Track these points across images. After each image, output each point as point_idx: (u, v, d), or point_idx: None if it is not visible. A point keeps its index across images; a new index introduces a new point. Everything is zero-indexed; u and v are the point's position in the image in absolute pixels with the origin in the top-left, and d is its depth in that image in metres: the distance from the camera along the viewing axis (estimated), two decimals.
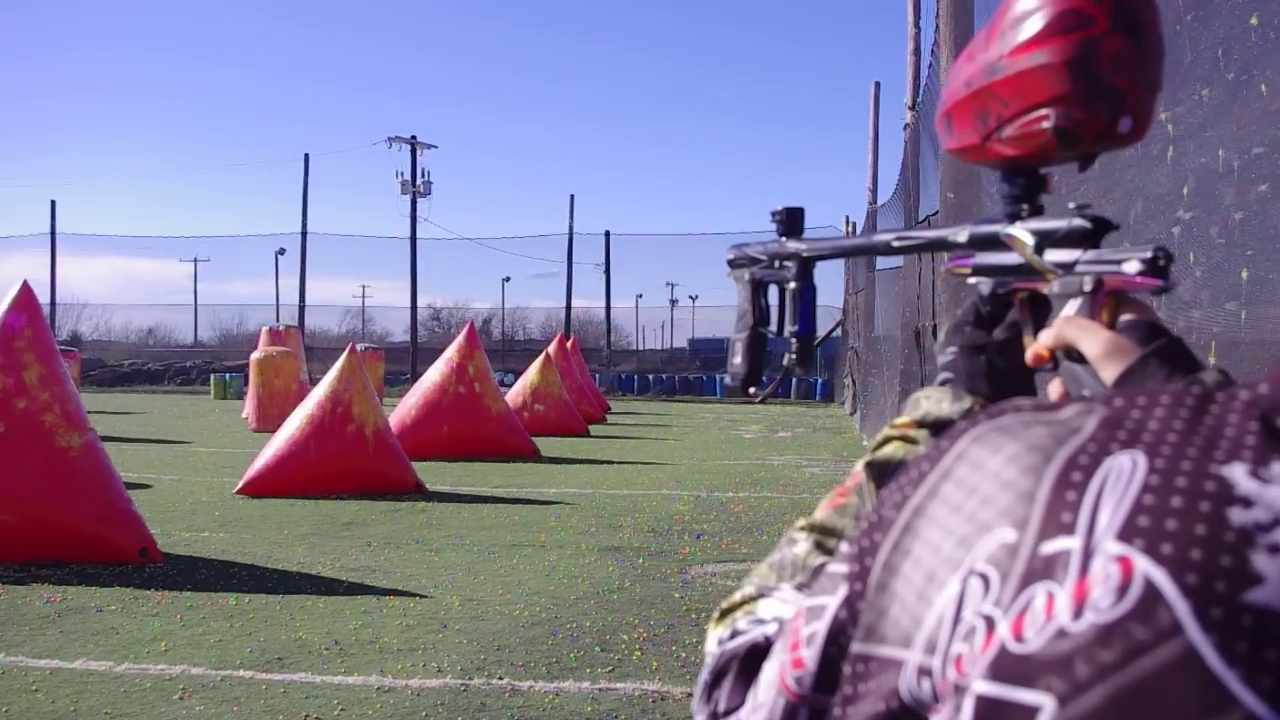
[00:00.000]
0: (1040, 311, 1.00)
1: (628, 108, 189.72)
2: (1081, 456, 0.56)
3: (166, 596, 6.75)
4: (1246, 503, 0.51)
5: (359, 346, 14.88)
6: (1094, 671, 0.50)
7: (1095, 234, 0.94)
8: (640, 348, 56.92)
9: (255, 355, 22.26)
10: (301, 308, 44.29)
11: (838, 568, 0.71)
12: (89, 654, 5.50)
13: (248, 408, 22.65)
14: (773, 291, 1.25)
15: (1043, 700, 0.51)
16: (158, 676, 5.14)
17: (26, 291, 8.01)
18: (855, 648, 0.65)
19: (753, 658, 0.80)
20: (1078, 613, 0.51)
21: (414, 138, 45.25)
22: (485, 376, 15.92)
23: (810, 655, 0.70)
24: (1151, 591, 0.50)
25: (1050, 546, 0.54)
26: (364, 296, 61.63)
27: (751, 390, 1.26)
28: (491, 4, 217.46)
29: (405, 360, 42.37)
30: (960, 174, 7.47)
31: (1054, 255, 0.95)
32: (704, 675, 0.84)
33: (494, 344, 46.69)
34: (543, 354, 21.42)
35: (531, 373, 20.45)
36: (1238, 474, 0.52)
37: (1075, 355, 0.91)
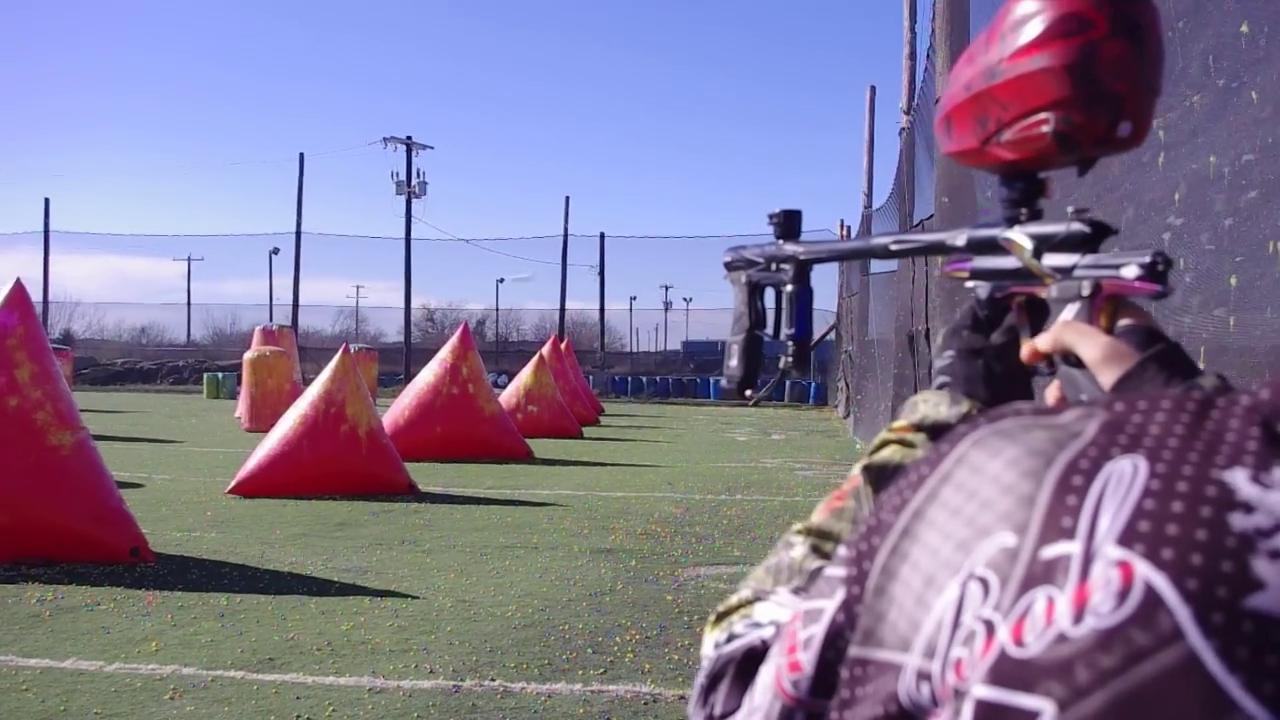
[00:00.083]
0: (1038, 316, 1.00)
1: (623, 110, 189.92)
2: (1082, 461, 0.56)
3: (158, 596, 6.73)
4: (1248, 508, 0.51)
5: (352, 347, 14.86)
6: (1094, 677, 0.49)
7: (1094, 238, 0.93)
8: (634, 350, 57.02)
9: (248, 355, 22.24)
10: (295, 307, 44.23)
11: (835, 571, 0.70)
12: (80, 653, 5.48)
13: (240, 407, 22.62)
14: (769, 294, 1.25)
15: (1043, 705, 0.50)
16: (149, 676, 5.13)
17: (19, 289, 7.98)
18: (853, 651, 0.65)
19: (749, 661, 0.80)
20: (1078, 617, 0.51)
21: (409, 138, 45.25)
22: (479, 378, 15.91)
23: (807, 659, 0.70)
24: (1152, 597, 0.50)
25: (1050, 551, 0.54)
26: (358, 297, 61.72)
27: (748, 393, 1.26)
28: (488, 4, 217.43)
29: (399, 361, 42.37)
30: (955, 178, 7.48)
31: (1052, 259, 0.95)
32: (700, 679, 0.83)
33: (488, 345, 46.70)
34: (536, 355, 21.42)
35: (525, 374, 20.45)
36: (1239, 479, 0.52)
37: (1073, 359, 0.91)
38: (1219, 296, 2.77)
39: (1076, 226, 0.94)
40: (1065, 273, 0.94)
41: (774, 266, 1.23)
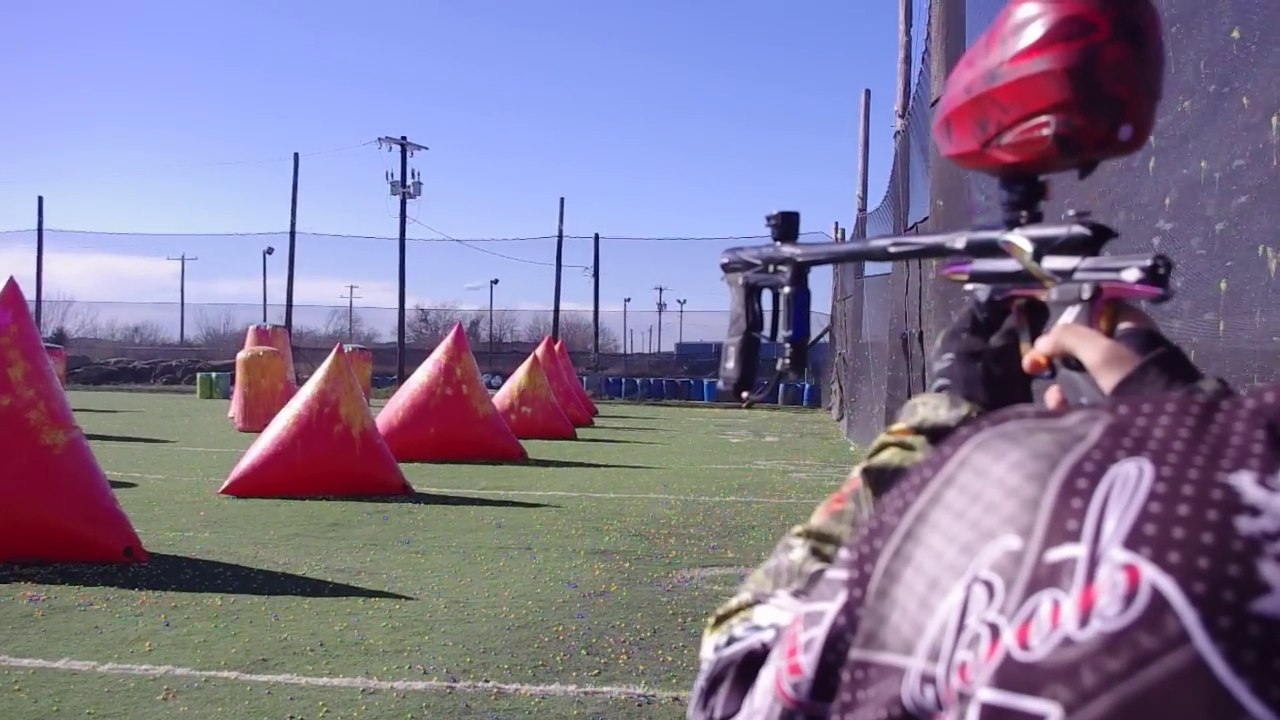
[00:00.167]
0: (1038, 318, 0.99)
1: (618, 111, 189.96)
2: (1087, 464, 0.56)
3: (151, 596, 6.72)
4: (1254, 511, 0.51)
5: (346, 347, 14.84)
6: (1100, 680, 0.49)
7: (1094, 241, 0.93)
8: (628, 351, 57.00)
9: (242, 355, 22.18)
10: (289, 307, 44.20)
11: (837, 574, 0.70)
12: (72, 653, 5.47)
13: (234, 407, 22.58)
14: (766, 296, 1.25)
15: (1048, 709, 0.50)
16: (142, 677, 5.11)
17: (12, 288, 7.96)
18: (854, 654, 0.65)
19: (749, 664, 0.80)
20: (1084, 621, 0.51)
21: (404, 138, 45.23)
22: (473, 378, 15.90)
23: (808, 662, 0.70)
24: (1158, 600, 0.50)
25: (1056, 554, 0.54)
26: (351, 297, 61.61)
27: (745, 395, 1.25)
28: (484, 4, 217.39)
29: (392, 361, 42.37)
30: (950, 181, 7.49)
31: (1052, 262, 0.95)
32: (700, 682, 0.83)
33: (481, 346, 46.66)
34: (530, 357, 21.42)
35: (519, 375, 20.45)
36: (1245, 482, 0.52)
37: (1073, 363, 0.91)
38: (1209, 301, 2.77)
39: (1077, 229, 0.94)
40: (1065, 276, 0.94)
41: (771, 268, 1.22)
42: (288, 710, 4.68)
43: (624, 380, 42.26)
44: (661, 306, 65.98)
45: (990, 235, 1.01)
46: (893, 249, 1.14)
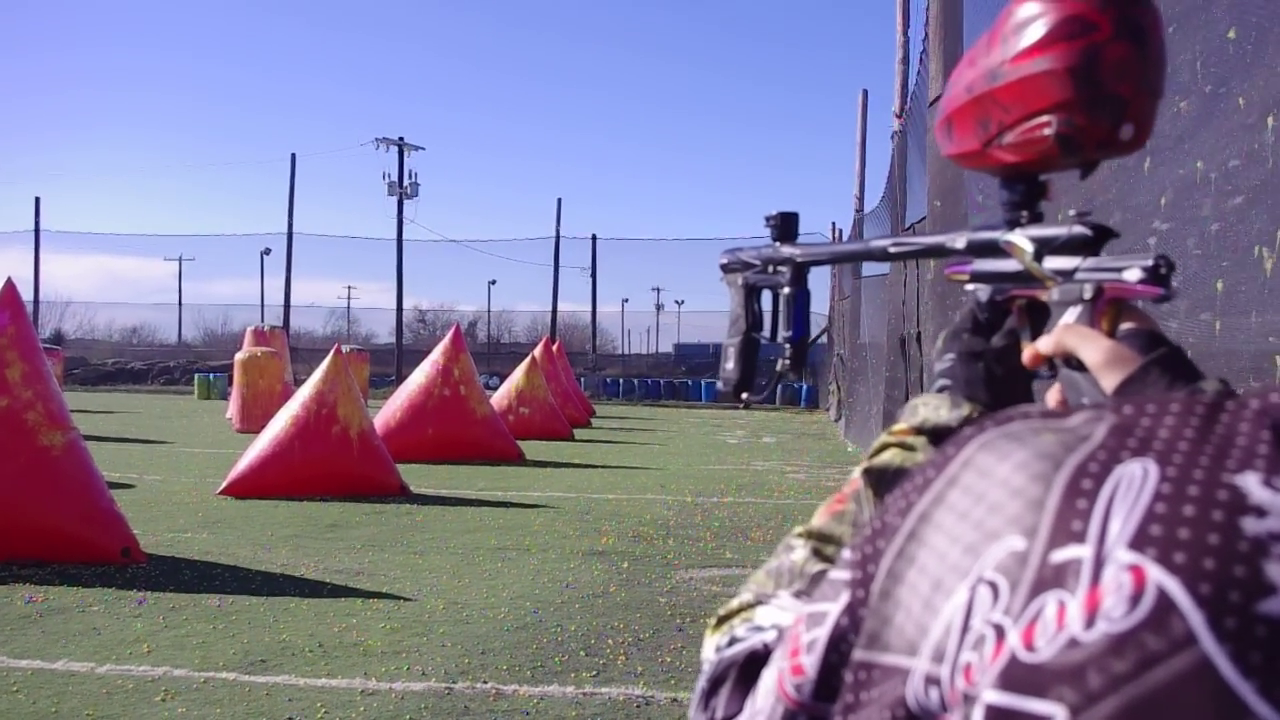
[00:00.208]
0: (1039, 319, 0.99)
1: (615, 111, 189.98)
2: (1092, 464, 0.56)
3: (149, 597, 6.71)
4: (1260, 512, 0.51)
5: (344, 348, 14.84)
6: (1106, 682, 0.49)
7: (1096, 241, 0.93)
8: (626, 352, 56.95)
9: (240, 355, 22.18)
10: (287, 308, 44.20)
11: (839, 574, 0.70)
12: (70, 655, 5.46)
13: (232, 408, 22.57)
14: (766, 297, 1.24)
15: (1054, 710, 0.50)
16: (140, 678, 5.11)
17: (10, 288, 7.96)
18: (857, 655, 0.65)
19: (751, 665, 0.80)
20: (1090, 622, 0.51)
21: (401, 139, 45.22)
22: (470, 379, 15.90)
23: (810, 662, 0.70)
24: (1165, 601, 0.49)
25: (1061, 555, 0.54)
26: (349, 298, 61.59)
27: (744, 396, 1.25)
28: (481, 4, 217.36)
29: (390, 362, 42.37)
30: (947, 182, 7.49)
31: (1053, 262, 0.95)
32: (701, 683, 0.83)
33: (479, 347, 46.68)
34: (528, 357, 21.42)
35: (517, 376, 20.45)
36: (1250, 483, 0.52)
37: (1074, 363, 0.91)
38: (1205, 301, 2.77)
39: (1078, 229, 0.94)
40: (1067, 276, 0.94)
41: (771, 269, 1.22)
42: (286, 711, 4.68)
43: (622, 381, 42.26)
44: (659, 307, 66.00)
45: (991, 235, 1.01)
46: (893, 249, 1.14)
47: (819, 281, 33.63)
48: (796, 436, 22.83)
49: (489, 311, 53.68)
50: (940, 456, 0.65)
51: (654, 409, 35.25)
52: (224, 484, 11.31)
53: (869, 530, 0.68)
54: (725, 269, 1.27)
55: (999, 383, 1.00)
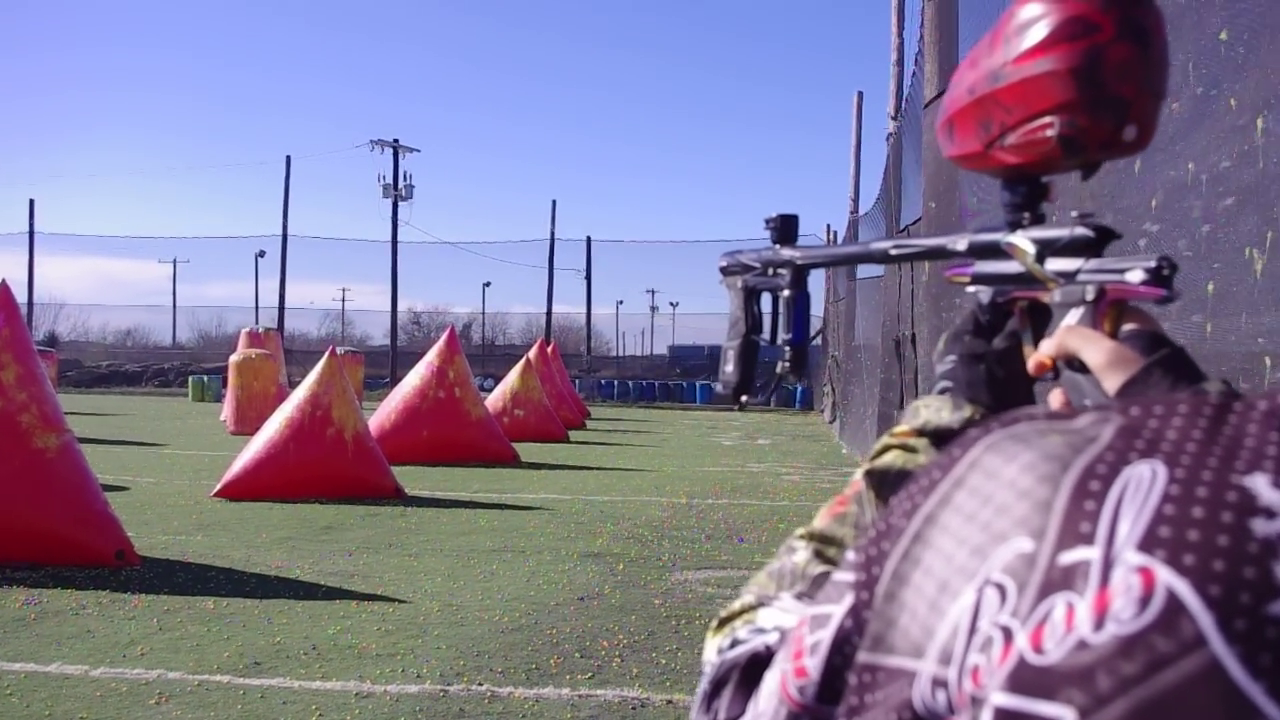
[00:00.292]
0: (1040, 320, 0.99)
1: (610, 113, 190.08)
2: (1099, 465, 0.56)
3: (143, 600, 6.70)
4: (1269, 514, 0.50)
5: (339, 350, 14.83)
6: (1116, 684, 0.49)
7: (1098, 243, 0.93)
8: (620, 354, 57.04)
9: (234, 357, 22.19)
10: (281, 310, 44.18)
11: (843, 576, 0.70)
12: (64, 657, 5.45)
13: (226, 410, 22.56)
14: (765, 299, 1.24)
15: (1063, 713, 0.50)
16: (134, 680, 5.10)
17: (4, 291, 7.95)
18: (862, 657, 0.64)
19: (754, 667, 0.79)
20: (1099, 624, 0.50)
21: (396, 141, 45.20)
22: (465, 381, 15.89)
23: (814, 664, 0.69)
24: (1174, 603, 0.49)
25: (1069, 556, 0.53)
26: (344, 300, 61.62)
27: (744, 398, 1.25)
28: (476, 5, 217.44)
29: (385, 364, 42.35)
30: (942, 184, 7.49)
31: (1055, 264, 0.95)
32: (703, 685, 0.83)
33: (474, 349, 46.68)
34: (523, 359, 21.41)
35: (512, 378, 20.44)
36: (1260, 485, 0.52)
37: (1077, 365, 0.90)
38: (1196, 303, 2.78)
39: (1080, 231, 0.93)
40: (1069, 277, 0.93)
41: (771, 271, 1.22)
42: (280, 714, 4.67)
43: (616, 383, 42.27)
44: (654, 309, 66.12)
45: (993, 237, 1.01)
46: (894, 251, 1.14)
47: (814, 284, 33.72)
48: (791, 438, 22.85)
49: (484, 313, 53.76)
50: (946, 458, 0.65)
51: (649, 411, 35.27)
52: (218, 486, 11.30)
53: (873, 532, 0.68)
54: (725, 271, 1.27)
55: (1000, 384, 0.99)
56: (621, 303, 59.68)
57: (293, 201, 44.45)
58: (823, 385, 31.11)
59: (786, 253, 1.20)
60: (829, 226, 34.05)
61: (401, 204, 44.66)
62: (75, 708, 4.70)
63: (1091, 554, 0.53)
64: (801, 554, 0.92)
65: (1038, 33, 0.91)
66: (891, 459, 0.95)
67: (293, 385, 14.83)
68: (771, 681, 0.74)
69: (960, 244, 1.04)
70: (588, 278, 45.22)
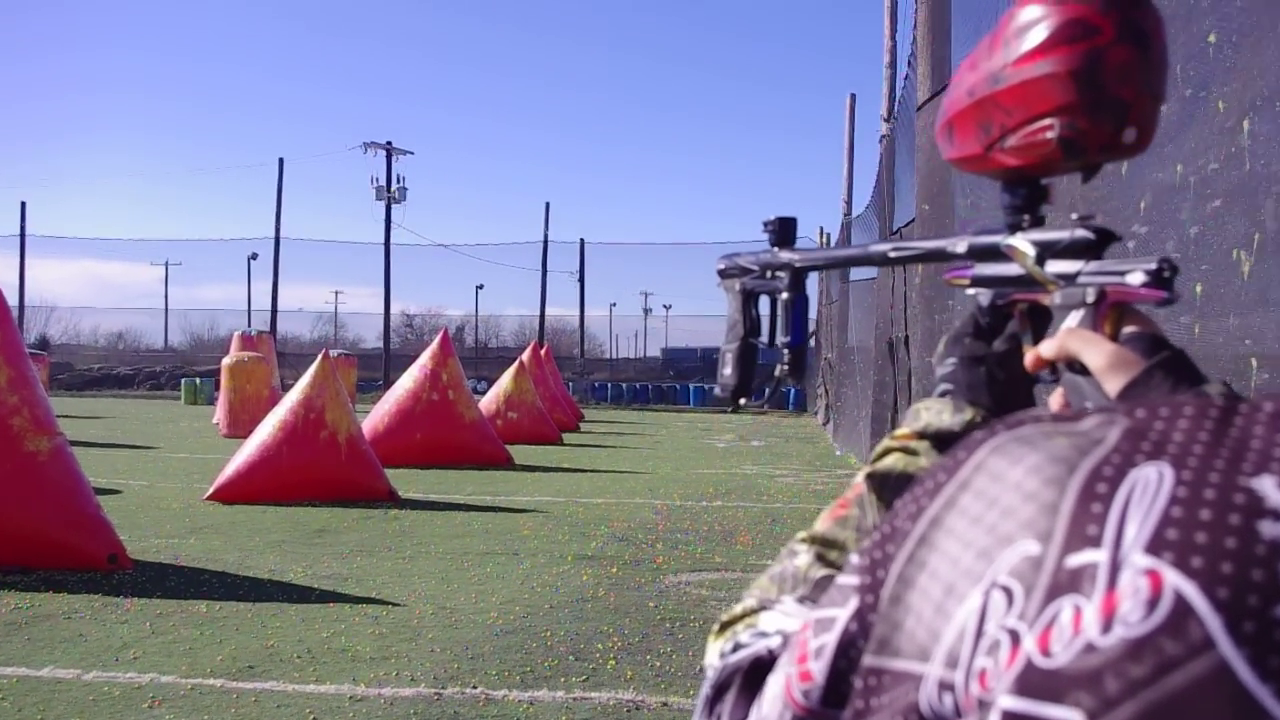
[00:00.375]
0: (1040, 323, 0.99)
1: (604, 115, 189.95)
2: (1106, 468, 0.55)
3: (136, 604, 6.68)
4: (1277, 516, 0.50)
5: (332, 352, 14.80)
6: (1124, 687, 0.49)
7: (1098, 245, 0.93)
8: (614, 356, 57.00)
9: (227, 360, 22.12)
10: (274, 313, 44.08)
11: (848, 579, 0.69)
12: (57, 661, 5.43)
13: (219, 413, 22.50)
14: (763, 302, 1.24)
15: (1071, 716, 0.50)
16: (127, 685, 5.08)
17: None
18: (867, 661, 0.64)
19: (756, 671, 0.79)
20: (1106, 627, 0.50)
21: (389, 143, 45.14)
22: (459, 384, 15.87)
23: (819, 668, 0.69)
24: (1182, 605, 0.49)
25: (1076, 559, 0.53)
26: (337, 302, 61.55)
27: (741, 401, 1.25)
28: (472, 6, 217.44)
29: (378, 367, 42.32)
30: (935, 186, 7.51)
31: (1056, 266, 0.95)
32: (705, 689, 0.82)
33: (467, 351, 46.64)
34: (516, 362, 21.37)
35: (505, 380, 20.42)
36: (1267, 486, 0.52)
37: (1077, 367, 0.90)
38: (1184, 305, 2.78)
39: (1080, 233, 0.93)
40: (1069, 279, 0.93)
41: (769, 274, 1.22)
42: (274, 718, 4.66)
43: (610, 385, 42.22)
44: (647, 311, 66.09)
45: (992, 240, 1.01)
46: (893, 254, 1.14)
47: (809, 286, 33.73)
48: (785, 440, 22.85)
49: (477, 316, 53.64)
50: (951, 460, 0.65)
51: (642, 413, 35.25)
52: (211, 489, 11.27)
53: (878, 535, 0.68)
54: (723, 274, 1.27)
55: (1001, 387, 1.00)
56: (615, 305, 59.63)
57: (285, 204, 44.24)
58: (816, 387, 31.12)
59: (785, 255, 1.20)
60: (822, 229, 34.06)
61: (394, 206, 44.61)
62: (67, 712, 4.68)
63: (1099, 557, 0.53)
64: (803, 557, 0.92)
65: (1037, 35, 0.91)
66: (893, 462, 0.95)
67: (286, 388, 14.81)
68: (775, 685, 0.74)
69: (960, 246, 1.04)
70: (581, 280, 45.21)
